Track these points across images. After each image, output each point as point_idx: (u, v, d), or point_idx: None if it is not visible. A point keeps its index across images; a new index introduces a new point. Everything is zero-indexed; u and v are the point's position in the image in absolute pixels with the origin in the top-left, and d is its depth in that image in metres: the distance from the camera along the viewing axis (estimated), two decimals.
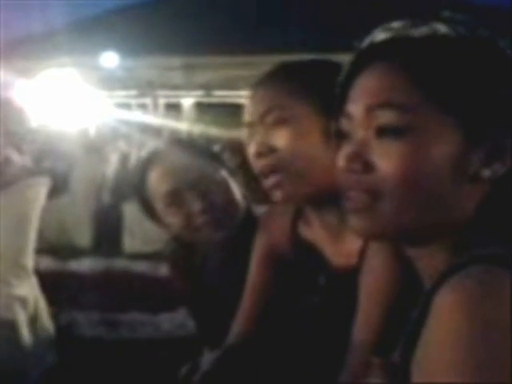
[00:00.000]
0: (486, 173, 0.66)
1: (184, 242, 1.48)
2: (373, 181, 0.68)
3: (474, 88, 0.66)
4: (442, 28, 0.68)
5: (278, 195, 1.08)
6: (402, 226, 0.69)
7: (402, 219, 0.68)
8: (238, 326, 1.22)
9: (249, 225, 1.39)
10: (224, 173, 1.43)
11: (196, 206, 1.36)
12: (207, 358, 1.27)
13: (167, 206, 1.40)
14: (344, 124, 0.72)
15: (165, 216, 1.42)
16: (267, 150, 1.03)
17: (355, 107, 0.70)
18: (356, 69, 0.72)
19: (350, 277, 1.04)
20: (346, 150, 0.70)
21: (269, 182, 1.06)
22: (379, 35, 0.71)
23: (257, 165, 1.05)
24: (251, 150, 1.06)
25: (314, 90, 1.05)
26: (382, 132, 0.67)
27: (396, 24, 0.70)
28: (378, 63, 0.69)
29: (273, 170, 1.05)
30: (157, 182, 1.41)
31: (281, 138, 1.04)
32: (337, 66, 0.95)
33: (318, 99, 1.03)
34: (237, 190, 1.41)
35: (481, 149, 0.66)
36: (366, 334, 0.94)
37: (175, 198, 1.38)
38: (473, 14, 0.72)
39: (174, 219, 1.40)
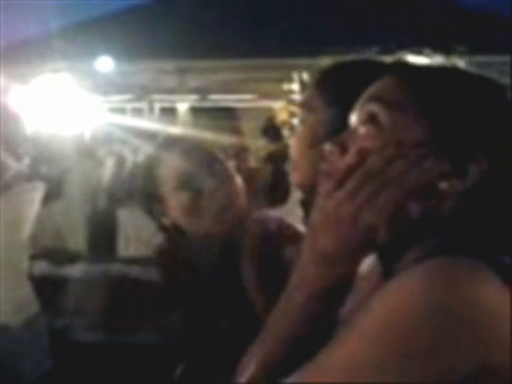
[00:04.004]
0: (443, 185, 0.68)
1: (177, 235, 1.49)
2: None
3: (455, 113, 0.71)
4: (447, 60, 0.78)
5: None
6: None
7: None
8: None
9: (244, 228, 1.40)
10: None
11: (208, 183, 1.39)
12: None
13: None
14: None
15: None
16: None
17: (357, 103, 0.78)
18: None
19: None
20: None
21: None
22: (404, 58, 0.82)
23: None
24: None
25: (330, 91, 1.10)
26: (367, 121, 0.73)
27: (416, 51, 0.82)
28: (391, 75, 0.77)
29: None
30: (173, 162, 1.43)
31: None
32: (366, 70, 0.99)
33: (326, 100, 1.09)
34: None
35: (444, 161, 0.68)
36: None
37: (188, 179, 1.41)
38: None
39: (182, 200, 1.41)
